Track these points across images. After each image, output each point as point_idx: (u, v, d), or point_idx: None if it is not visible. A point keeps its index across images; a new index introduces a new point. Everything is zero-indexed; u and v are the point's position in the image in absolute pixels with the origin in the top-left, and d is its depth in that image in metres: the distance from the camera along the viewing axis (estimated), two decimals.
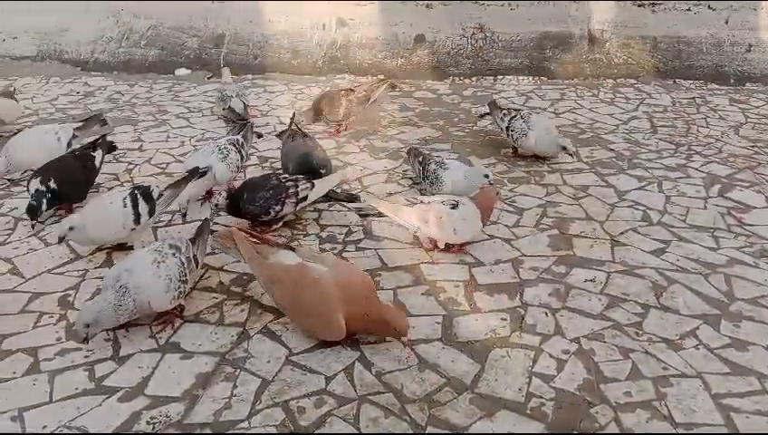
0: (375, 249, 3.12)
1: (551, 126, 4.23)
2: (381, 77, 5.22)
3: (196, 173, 3.33)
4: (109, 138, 4.03)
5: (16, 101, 5.09)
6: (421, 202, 3.08)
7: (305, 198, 3.28)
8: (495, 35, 6.40)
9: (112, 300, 2.37)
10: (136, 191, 3.08)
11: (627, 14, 6.22)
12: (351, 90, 4.81)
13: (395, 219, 3.08)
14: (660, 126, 4.77)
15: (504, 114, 4.25)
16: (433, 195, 3.38)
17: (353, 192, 3.56)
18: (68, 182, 3.43)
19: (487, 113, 4.57)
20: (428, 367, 2.31)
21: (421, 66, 6.40)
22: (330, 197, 3.41)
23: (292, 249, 2.62)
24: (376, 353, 2.38)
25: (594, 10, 6.27)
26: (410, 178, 3.95)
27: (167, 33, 6.97)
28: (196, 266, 2.69)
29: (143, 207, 3.05)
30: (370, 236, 3.27)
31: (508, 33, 6.38)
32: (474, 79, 6.21)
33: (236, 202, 3.20)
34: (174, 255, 2.55)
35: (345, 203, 3.48)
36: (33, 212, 3.27)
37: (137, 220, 3.04)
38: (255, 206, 3.18)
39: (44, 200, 3.30)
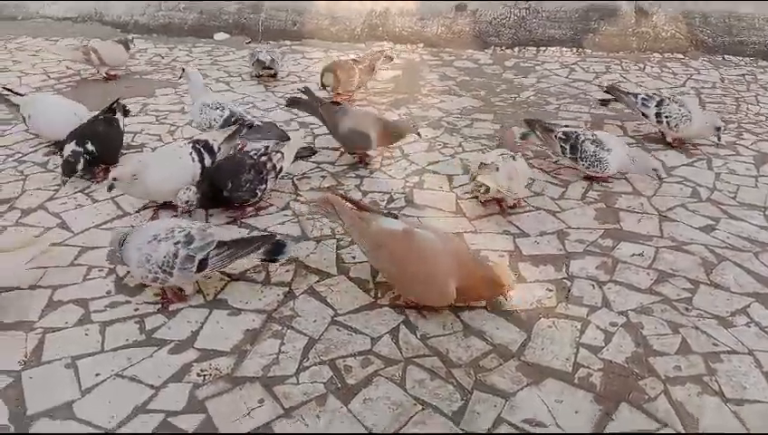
0: (417, 217, 3.11)
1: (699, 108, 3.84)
2: (379, 49, 5.14)
3: (244, 127, 3.36)
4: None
5: (128, 49, 5.34)
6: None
7: (281, 169, 3.19)
8: (539, 6, 6.26)
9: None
10: (198, 145, 3.14)
11: None
12: (357, 60, 4.78)
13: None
14: (709, 102, 4.64)
15: (645, 99, 3.89)
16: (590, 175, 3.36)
17: (310, 145, 3.70)
18: (103, 145, 3.46)
19: (609, 100, 4.23)
20: (473, 334, 2.30)
21: (462, 35, 6.30)
22: (298, 156, 3.40)
23: (395, 216, 2.58)
24: (420, 318, 2.39)
25: None
26: (452, 148, 3.91)
27: None
28: (197, 271, 2.41)
29: (208, 161, 3.13)
30: (412, 203, 3.26)
31: (552, 4, 6.24)
32: (516, 49, 6.10)
33: (216, 192, 2.97)
34: (176, 244, 2.39)
35: (308, 158, 3.58)
36: (69, 169, 3.32)
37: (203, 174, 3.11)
38: (244, 191, 3.02)
39: (82, 159, 3.34)
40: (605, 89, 4.29)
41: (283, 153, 3.22)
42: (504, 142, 3.40)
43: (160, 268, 2.38)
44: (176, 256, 2.37)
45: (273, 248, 2.52)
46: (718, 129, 3.72)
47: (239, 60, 5.85)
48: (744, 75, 5.31)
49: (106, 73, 5.28)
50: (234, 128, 3.43)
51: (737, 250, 2.80)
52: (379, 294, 2.53)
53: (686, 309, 2.42)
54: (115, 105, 3.75)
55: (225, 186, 2.97)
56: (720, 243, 2.86)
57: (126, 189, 3.04)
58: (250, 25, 6.78)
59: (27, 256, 2.48)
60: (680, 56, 5.83)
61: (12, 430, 1.94)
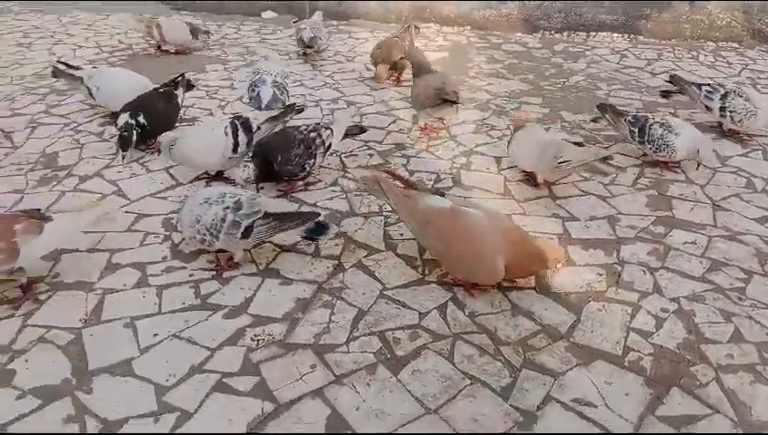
0: (464, 198, 3.11)
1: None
2: (406, 25, 5.11)
3: (293, 109, 3.39)
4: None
5: (195, 36, 5.40)
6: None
7: (330, 146, 3.21)
8: None
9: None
10: (236, 121, 3.17)
11: None
12: (397, 36, 4.85)
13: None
14: (765, 93, 4.50)
15: (709, 91, 3.75)
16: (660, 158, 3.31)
17: (362, 124, 3.65)
18: (156, 118, 3.52)
19: (672, 91, 4.07)
20: (522, 313, 2.31)
21: (510, 18, 6.23)
22: (348, 133, 3.40)
23: (442, 194, 2.59)
24: (468, 296, 2.40)
25: None
26: (499, 130, 3.89)
27: None
28: (242, 238, 2.46)
29: (242, 138, 3.14)
30: (459, 184, 3.26)
31: None
32: (565, 34, 6.01)
33: (268, 166, 3.00)
34: (226, 208, 2.45)
35: (357, 136, 3.56)
36: (125, 143, 3.39)
37: (234, 149, 3.13)
38: (293, 165, 3.05)
39: (134, 132, 3.41)
40: (668, 79, 4.15)
41: (332, 129, 3.25)
42: (514, 124, 3.38)
43: (208, 231, 2.45)
44: (223, 220, 2.44)
45: (316, 228, 2.54)
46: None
47: (286, 38, 5.89)
48: None
49: (159, 47, 5.38)
50: (280, 110, 3.45)
51: None
52: (427, 271, 2.55)
53: (740, 298, 2.39)
54: (179, 79, 3.83)
55: (275, 159, 3.01)
56: None
57: (167, 154, 3.14)
58: (297, 5, 6.81)
59: (89, 219, 2.56)
60: (735, 45, 5.66)
61: (74, 383, 2.03)
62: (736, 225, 2.87)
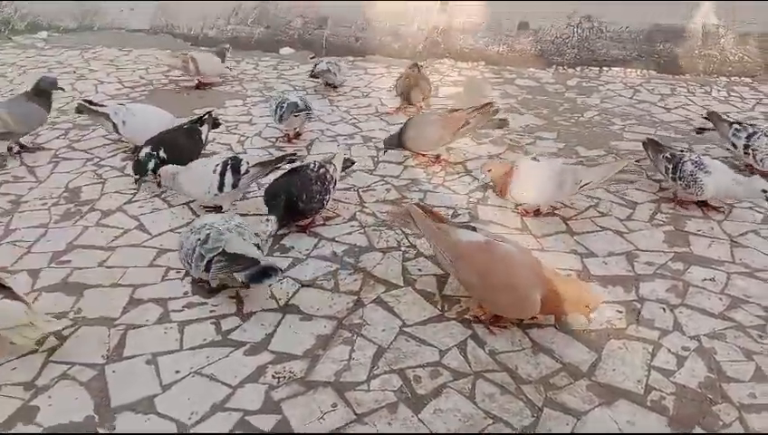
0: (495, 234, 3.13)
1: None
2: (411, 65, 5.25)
3: (286, 158, 3.40)
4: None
5: (223, 60, 5.67)
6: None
7: (336, 181, 3.25)
8: (603, 25, 6.22)
9: None
10: (228, 161, 3.24)
11: (746, 10, 5.89)
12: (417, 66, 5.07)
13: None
14: None
15: (737, 129, 3.76)
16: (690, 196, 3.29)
17: (351, 158, 3.70)
18: (177, 153, 3.58)
19: (708, 129, 4.08)
20: (543, 351, 2.31)
21: (524, 54, 6.32)
22: (343, 167, 3.46)
23: (474, 229, 2.60)
24: (488, 334, 2.41)
25: (708, 4, 5.96)
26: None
27: (273, 12, 7.18)
28: (206, 270, 2.50)
29: (228, 178, 3.21)
30: (477, 219, 3.28)
31: (617, 24, 6.19)
32: (578, 69, 6.07)
33: (292, 207, 3.00)
34: (198, 239, 2.51)
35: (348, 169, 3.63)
36: (138, 168, 3.54)
37: (220, 188, 3.21)
38: (316, 202, 3.08)
39: (151, 162, 3.53)
40: (705, 115, 4.13)
41: (334, 165, 3.31)
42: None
43: (185, 258, 2.59)
44: (193, 251, 2.53)
45: (257, 274, 2.43)
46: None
47: (303, 74, 5.99)
48: None
49: (198, 81, 5.57)
50: (273, 158, 3.47)
51: None
52: (446, 308, 2.56)
53: (760, 336, 2.38)
54: (206, 116, 3.93)
55: (300, 198, 3.03)
56: None
57: (170, 184, 3.32)
58: (314, 41, 6.95)
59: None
60: (749, 80, 5.69)
61: (97, 420, 2.05)
62: (754, 261, 2.86)
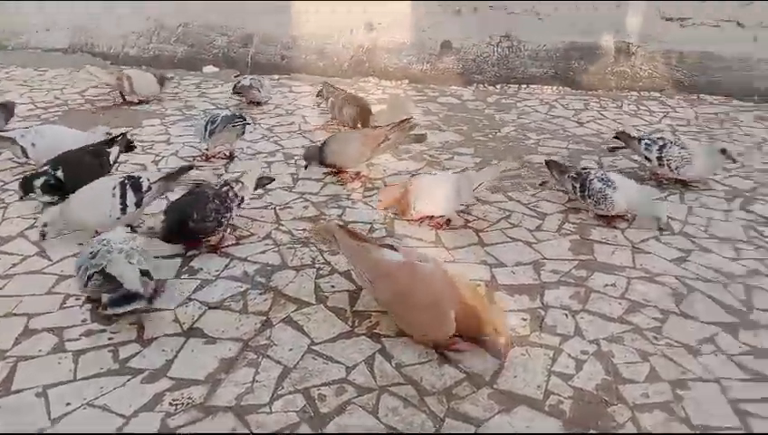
0: (398, 245, 3.15)
1: (707, 147, 3.80)
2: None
3: (187, 169, 3.38)
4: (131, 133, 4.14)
5: (161, 84, 5.62)
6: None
7: (243, 198, 3.18)
8: (522, 44, 6.43)
9: None
10: (126, 181, 3.14)
11: (654, 29, 6.21)
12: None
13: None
14: (687, 139, 4.75)
15: (648, 144, 3.90)
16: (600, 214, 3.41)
17: (269, 175, 3.67)
18: (75, 175, 3.39)
19: (620, 147, 4.23)
20: (447, 360, 2.33)
21: (446, 72, 6.45)
22: (258, 185, 3.40)
23: (395, 248, 2.58)
24: (396, 346, 2.41)
25: (621, 23, 6.25)
26: None
27: (196, 30, 7.09)
28: (85, 285, 2.50)
29: (131, 198, 3.11)
30: (393, 234, 3.30)
31: (535, 43, 6.41)
32: (498, 86, 6.25)
33: (182, 224, 2.92)
34: (88, 253, 2.50)
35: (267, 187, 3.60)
36: (24, 185, 3.39)
37: (123, 210, 3.10)
38: (210, 221, 2.98)
39: (40, 179, 3.38)
40: (615, 135, 4.30)
41: (243, 182, 3.24)
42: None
43: (77, 272, 2.55)
44: (81, 266, 2.51)
45: (119, 298, 2.38)
46: (723, 151, 3.70)
47: (226, 92, 5.93)
48: (717, 114, 5.46)
49: (123, 98, 5.49)
50: (174, 169, 3.44)
51: (707, 281, 2.87)
52: (356, 323, 2.55)
53: (656, 338, 2.47)
54: (119, 138, 3.82)
55: (189, 216, 2.93)
56: (691, 274, 2.92)
57: (60, 229, 3.15)
58: (239, 59, 6.90)
59: None
60: (657, 95, 5.99)
61: None
62: (654, 266, 2.99)
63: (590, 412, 2.09)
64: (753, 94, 5.93)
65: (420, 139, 4.18)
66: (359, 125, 4.70)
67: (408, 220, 3.36)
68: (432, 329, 2.36)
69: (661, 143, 3.87)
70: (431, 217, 3.35)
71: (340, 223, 2.78)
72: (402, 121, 4.04)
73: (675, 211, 3.55)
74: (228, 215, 3.08)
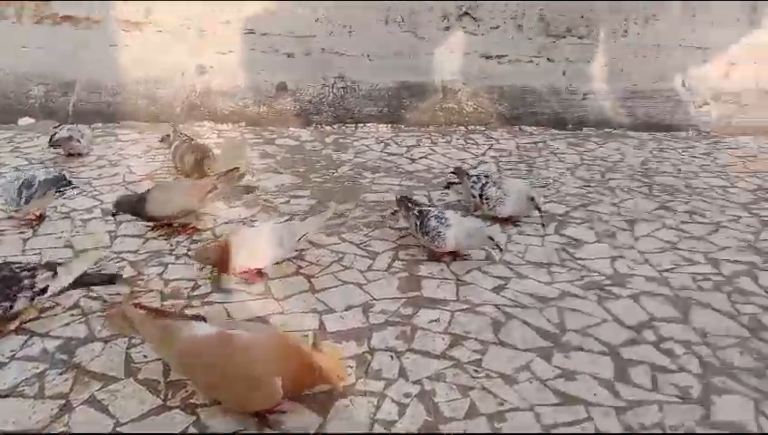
0: (222, 302, 3.01)
1: (523, 188, 3.95)
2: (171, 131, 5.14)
3: None
4: None
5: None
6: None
7: (45, 290, 2.77)
8: (356, 84, 6.57)
9: None
10: None
11: (475, 66, 6.63)
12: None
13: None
14: (505, 169, 5.08)
15: (474, 182, 4.05)
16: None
17: (113, 272, 3.19)
18: None
19: (455, 183, 4.38)
20: (269, 425, 2.22)
21: (283, 114, 6.43)
22: (84, 282, 2.93)
23: (204, 319, 2.37)
24: (213, 416, 2.26)
25: (445, 62, 6.61)
26: None
27: (9, 80, 6.49)
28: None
29: None
30: (220, 289, 3.15)
31: (368, 83, 6.58)
32: (336, 126, 6.33)
33: None
34: None
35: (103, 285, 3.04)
36: None
37: None
38: None
39: None
40: (452, 171, 4.46)
41: (56, 272, 2.81)
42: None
43: None
44: None
45: None
46: (532, 198, 3.83)
47: (43, 145, 5.45)
48: (536, 143, 5.92)
49: None
50: None
51: (523, 307, 3.01)
52: (170, 395, 2.37)
53: (476, 371, 2.53)
54: None
55: None
56: (508, 301, 3.06)
57: None
58: (59, 109, 6.40)
59: None
60: (482, 128, 6.38)
61: None
62: (475, 297, 3.09)
63: None
64: (567, 123, 6.51)
65: (249, 190, 4.09)
66: (195, 175, 4.50)
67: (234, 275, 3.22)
68: (255, 401, 2.22)
69: (483, 181, 4.04)
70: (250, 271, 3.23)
71: (139, 303, 2.51)
72: (230, 171, 3.92)
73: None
74: (7, 304, 2.66)
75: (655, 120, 6.57)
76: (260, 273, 3.24)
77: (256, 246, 3.17)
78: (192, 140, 4.90)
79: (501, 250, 3.48)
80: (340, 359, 2.35)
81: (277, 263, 3.29)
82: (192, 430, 2.19)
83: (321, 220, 3.50)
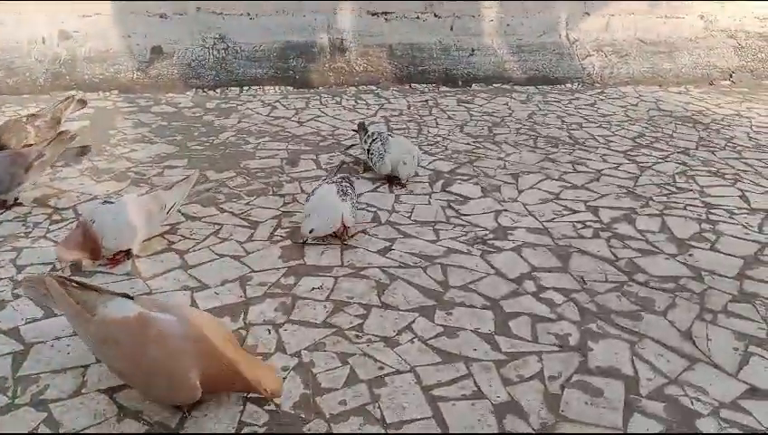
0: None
1: (405, 148, 3.86)
2: (67, 96, 4.54)
3: None
4: None
5: None
6: None
7: None
8: (238, 45, 6.23)
9: None
10: None
11: (363, 24, 6.45)
12: (35, 115, 4.22)
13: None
14: (395, 129, 4.99)
15: (368, 137, 3.99)
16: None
17: None
18: None
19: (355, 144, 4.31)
20: (130, 415, 2.03)
21: (160, 79, 6.00)
22: None
23: (130, 297, 2.13)
24: (67, 411, 2.04)
25: (332, 20, 6.38)
26: None
27: None
28: None
29: None
30: (79, 270, 2.87)
31: (251, 44, 6.25)
32: (218, 90, 5.98)
33: None
34: None
35: None
36: None
37: None
38: None
39: None
40: (354, 127, 4.42)
41: None
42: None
43: None
44: None
45: None
46: (404, 163, 3.77)
47: None
48: (426, 101, 5.86)
49: None
50: None
51: (408, 267, 2.95)
52: (19, 392, 2.12)
53: (357, 336, 2.44)
54: None
55: None
56: (393, 262, 2.98)
57: None
58: None
59: None
60: (373, 88, 6.25)
61: None
62: (360, 260, 3.00)
63: None
64: (456, 80, 6.49)
65: (85, 151, 3.74)
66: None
67: (103, 263, 2.93)
68: (172, 395, 2.01)
69: (374, 137, 3.95)
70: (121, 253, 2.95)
71: (62, 276, 2.24)
72: (59, 134, 3.60)
73: (383, 202, 3.64)
74: None
75: (541, 73, 6.68)
76: (127, 254, 2.97)
77: (127, 225, 2.87)
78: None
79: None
80: (274, 374, 2.10)
81: (146, 240, 3.04)
82: (42, 428, 1.97)
83: (188, 187, 3.24)
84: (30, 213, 3.42)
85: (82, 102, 4.57)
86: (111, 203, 2.99)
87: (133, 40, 6.06)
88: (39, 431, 1.97)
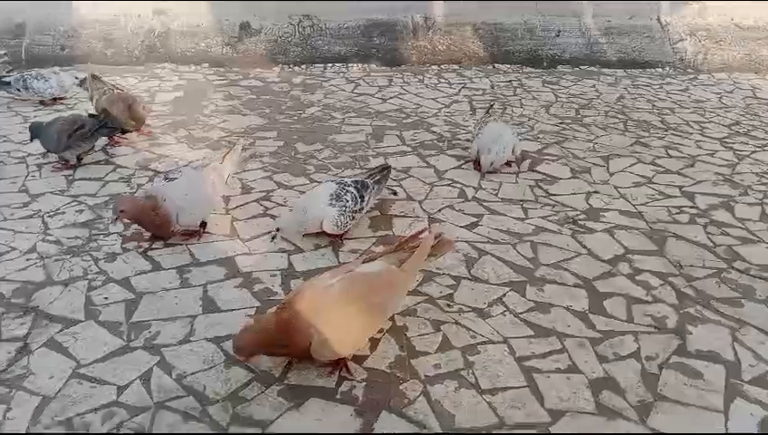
0: (186, 244, 2.89)
1: (498, 137, 3.73)
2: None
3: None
4: None
5: None
6: None
7: None
8: (323, 23, 6.32)
9: None
10: None
11: (448, 4, 6.42)
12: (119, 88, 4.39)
13: None
14: (479, 108, 4.96)
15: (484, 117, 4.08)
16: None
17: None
18: None
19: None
20: (236, 363, 2.14)
21: (248, 54, 6.17)
22: None
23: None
24: (178, 356, 2.18)
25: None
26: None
27: None
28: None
29: None
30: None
31: (336, 22, 6.33)
32: (303, 66, 6.11)
33: None
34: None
35: None
36: None
37: None
38: None
39: None
40: (490, 105, 4.47)
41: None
42: None
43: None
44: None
45: None
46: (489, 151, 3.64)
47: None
48: (510, 81, 5.79)
49: None
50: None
51: (497, 243, 2.95)
52: (133, 336, 2.27)
53: (448, 305, 2.48)
54: None
55: None
56: (482, 238, 3.00)
57: None
58: (11, 52, 6.06)
59: None
60: (456, 67, 6.22)
61: None
62: (447, 234, 3.00)
63: (382, 393, 2.03)
64: (542, 61, 6.37)
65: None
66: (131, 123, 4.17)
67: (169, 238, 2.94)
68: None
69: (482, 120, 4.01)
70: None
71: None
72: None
73: (469, 179, 3.65)
74: None
75: (630, 57, 6.46)
76: (203, 226, 3.02)
77: (195, 201, 2.90)
78: (115, 89, 4.35)
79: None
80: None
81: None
82: (156, 370, 2.11)
83: (236, 156, 3.25)
84: (133, 175, 3.63)
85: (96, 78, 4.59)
86: (176, 179, 2.93)
87: (223, 16, 6.25)
88: (153, 372, 2.11)
